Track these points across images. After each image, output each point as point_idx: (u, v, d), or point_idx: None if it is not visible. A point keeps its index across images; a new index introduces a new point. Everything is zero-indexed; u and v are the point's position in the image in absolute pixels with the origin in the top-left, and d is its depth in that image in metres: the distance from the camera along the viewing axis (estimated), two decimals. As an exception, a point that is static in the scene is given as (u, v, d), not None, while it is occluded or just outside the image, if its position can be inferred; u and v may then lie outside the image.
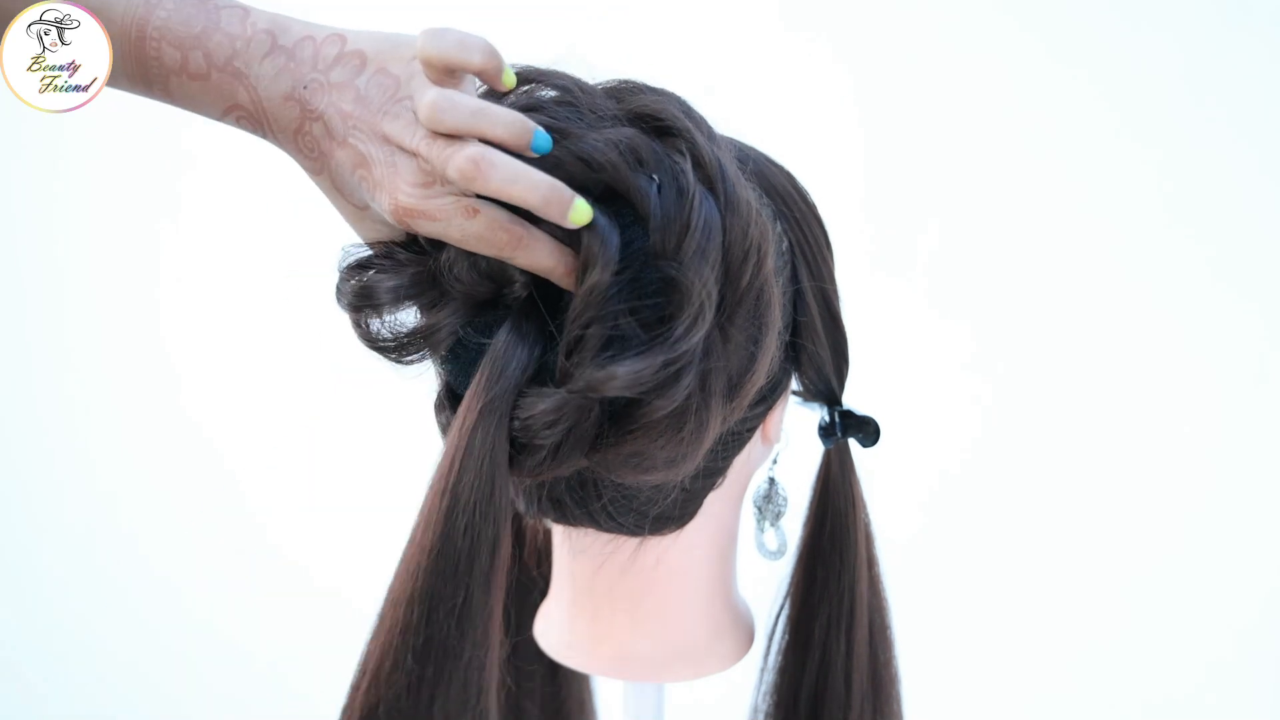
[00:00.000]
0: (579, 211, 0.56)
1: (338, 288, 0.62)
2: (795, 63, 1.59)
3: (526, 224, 0.58)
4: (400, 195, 0.58)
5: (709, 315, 0.57)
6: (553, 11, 1.42)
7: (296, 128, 0.59)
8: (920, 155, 1.60)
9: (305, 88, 0.59)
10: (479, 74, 0.58)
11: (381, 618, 0.57)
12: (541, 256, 0.58)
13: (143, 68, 0.60)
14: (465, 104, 0.56)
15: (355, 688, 0.57)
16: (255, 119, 0.60)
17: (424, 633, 0.58)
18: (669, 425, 0.59)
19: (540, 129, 0.58)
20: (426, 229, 0.58)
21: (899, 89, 1.59)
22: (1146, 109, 1.56)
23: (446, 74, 0.57)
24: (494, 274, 0.60)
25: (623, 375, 0.56)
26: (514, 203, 0.56)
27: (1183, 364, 1.59)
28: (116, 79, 0.61)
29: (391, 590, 0.58)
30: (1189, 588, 1.62)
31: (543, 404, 0.57)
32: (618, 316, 0.57)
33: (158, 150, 1.67)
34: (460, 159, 0.55)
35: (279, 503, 1.75)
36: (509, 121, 0.56)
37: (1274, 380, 1.59)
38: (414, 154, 0.57)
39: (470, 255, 0.59)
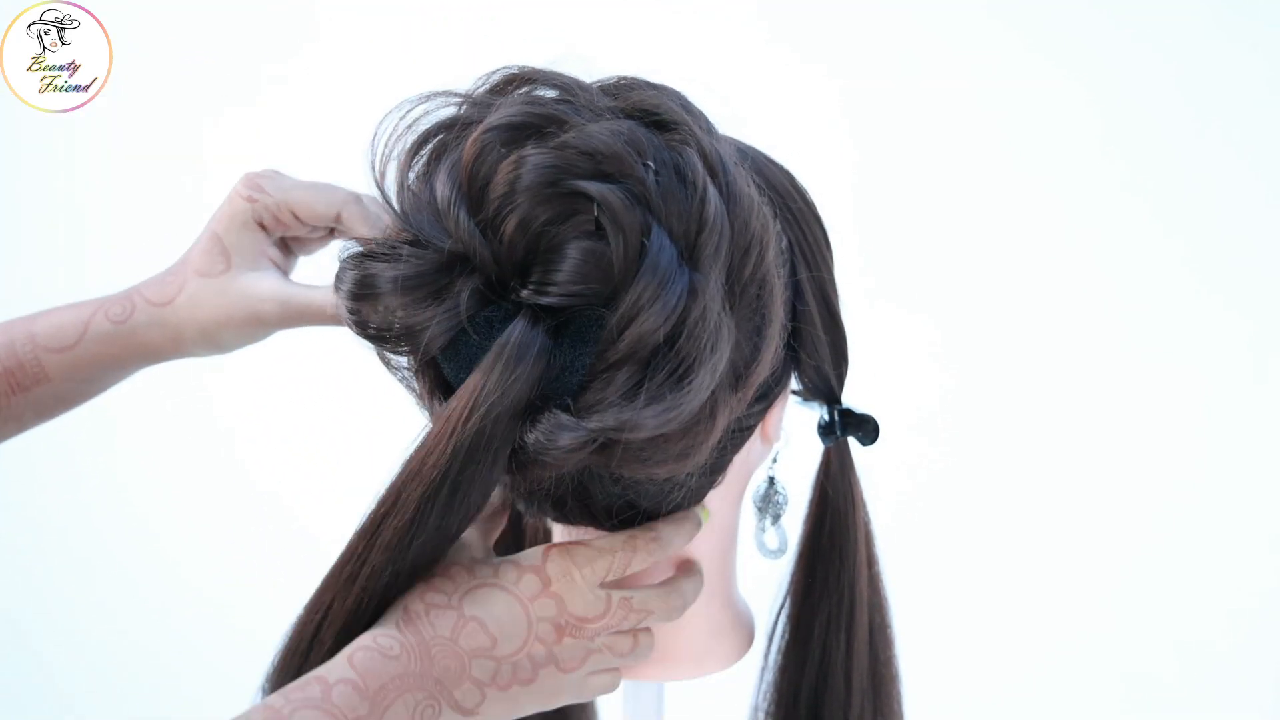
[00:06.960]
0: None
1: (337, 276, 0.62)
2: (786, 65, 1.59)
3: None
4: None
5: (725, 353, 0.58)
6: (552, 11, 1.42)
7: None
8: (918, 155, 1.60)
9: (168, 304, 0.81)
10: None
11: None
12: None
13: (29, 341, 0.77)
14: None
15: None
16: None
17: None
18: (679, 428, 0.59)
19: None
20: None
21: (894, 90, 1.60)
22: (1137, 106, 1.57)
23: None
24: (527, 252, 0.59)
25: (651, 425, 0.57)
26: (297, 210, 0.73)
27: (1178, 359, 1.60)
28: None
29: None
30: (1186, 585, 1.63)
31: (564, 438, 0.57)
32: (655, 368, 0.57)
33: (162, 148, 1.67)
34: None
35: (291, 487, 1.76)
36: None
37: (1269, 376, 1.60)
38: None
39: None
